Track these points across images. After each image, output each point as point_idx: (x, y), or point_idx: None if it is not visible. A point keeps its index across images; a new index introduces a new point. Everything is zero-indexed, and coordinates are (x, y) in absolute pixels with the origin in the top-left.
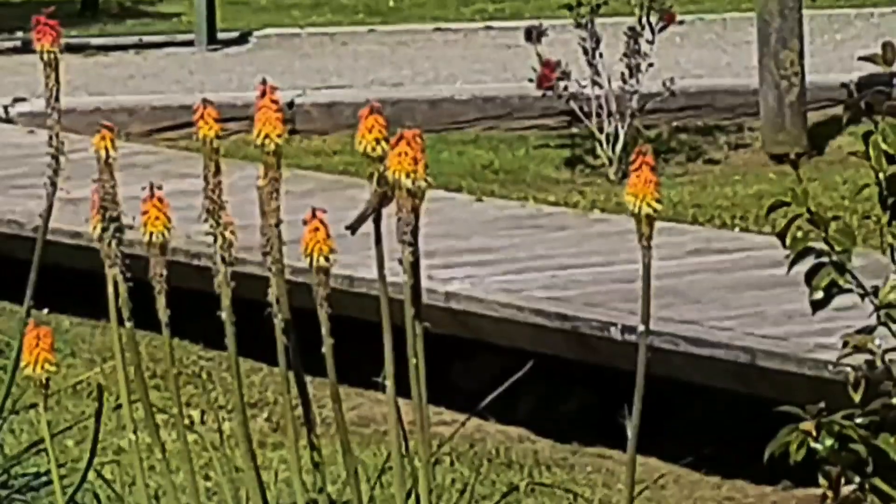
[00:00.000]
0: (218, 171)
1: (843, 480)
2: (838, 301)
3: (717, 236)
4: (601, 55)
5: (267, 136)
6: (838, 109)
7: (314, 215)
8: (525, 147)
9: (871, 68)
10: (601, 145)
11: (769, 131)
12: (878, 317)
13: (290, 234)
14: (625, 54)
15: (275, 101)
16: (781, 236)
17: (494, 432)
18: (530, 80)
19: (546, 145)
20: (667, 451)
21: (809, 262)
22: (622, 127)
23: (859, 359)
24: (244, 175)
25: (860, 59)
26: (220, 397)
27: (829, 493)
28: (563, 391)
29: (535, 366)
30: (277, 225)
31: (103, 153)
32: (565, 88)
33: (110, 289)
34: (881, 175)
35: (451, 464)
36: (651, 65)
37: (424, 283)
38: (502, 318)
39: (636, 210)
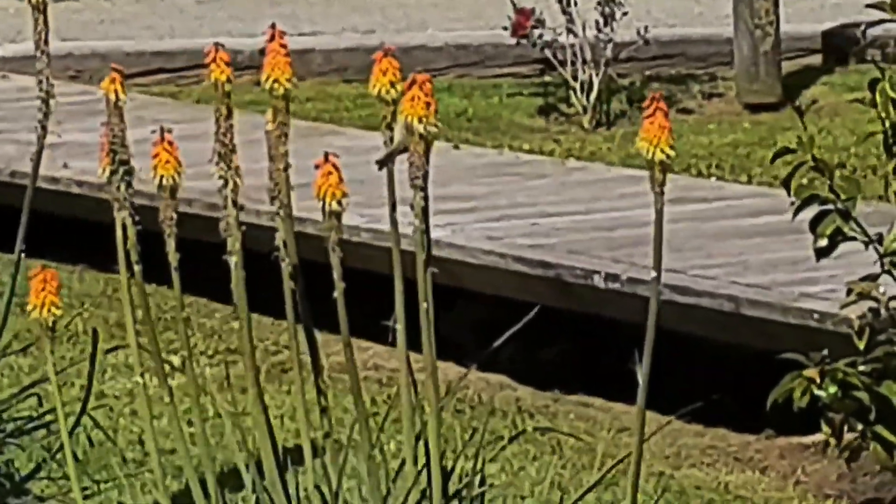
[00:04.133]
0: (230, 114)
1: (845, 427)
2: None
3: (696, 185)
4: (576, 3)
5: (276, 80)
6: (812, 59)
7: (327, 159)
8: (499, 95)
9: (842, 18)
10: (575, 93)
11: (743, 80)
12: (882, 264)
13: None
14: (599, 2)
15: (284, 46)
16: (786, 183)
17: (475, 380)
18: (505, 28)
19: (519, 93)
20: (650, 399)
21: (812, 210)
22: (596, 75)
23: (863, 306)
24: None
25: (868, 6)
26: (200, 343)
27: (832, 440)
28: (544, 338)
29: (516, 313)
30: (286, 169)
31: (112, 96)
32: (540, 36)
33: (119, 232)
34: (888, 122)
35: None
36: (626, 13)
37: (405, 230)
38: (484, 265)
39: (650, 156)
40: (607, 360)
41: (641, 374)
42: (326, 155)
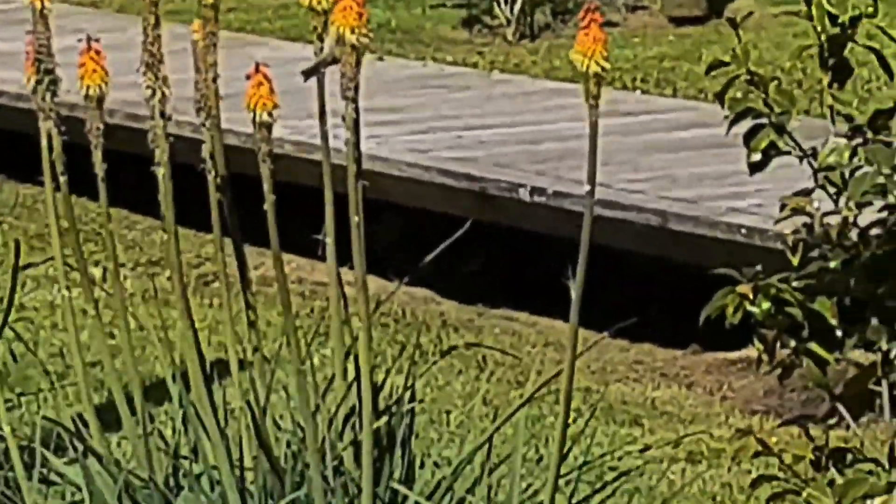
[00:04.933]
0: (157, 23)
1: (778, 344)
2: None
3: (622, 98)
4: None
5: None
6: None
7: (258, 69)
8: (422, 6)
9: None
10: (499, 5)
11: None
12: (816, 179)
13: (189, 91)
14: None
15: None
16: (720, 97)
17: (399, 293)
18: None
19: (443, 5)
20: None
21: (746, 123)
22: None
23: (797, 221)
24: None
25: None
26: (121, 255)
27: (765, 357)
28: (468, 252)
29: (440, 226)
30: (215, 80)
31: (38, 4)
32: None
33: (44, 143)
34: (823, 36)
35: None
36: None
37: (333, 142)
38: (409, 178)
39: (584, 68)
40: (532, 275)
41: (574, 290)
42: (257, 65)
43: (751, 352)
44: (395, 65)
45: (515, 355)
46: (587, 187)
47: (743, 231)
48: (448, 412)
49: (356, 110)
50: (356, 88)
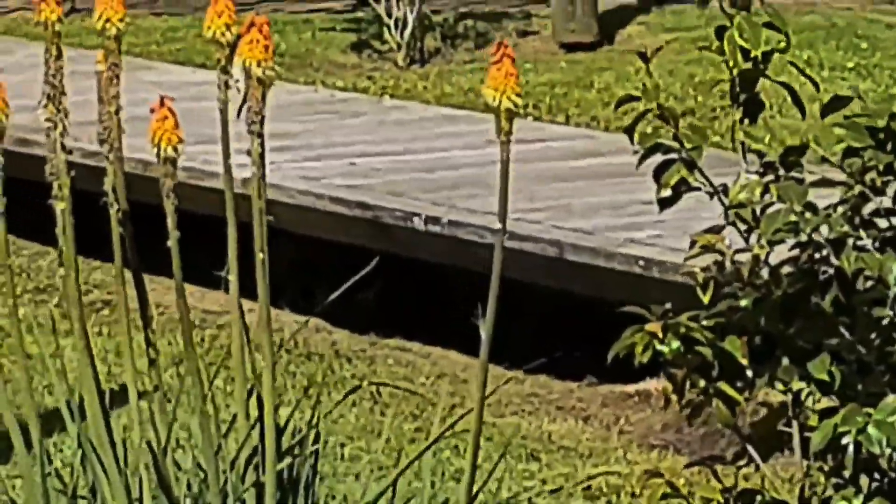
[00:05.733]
0: (60, 55)
1: (687, 384)
2: (648, 195)
3: (515, 126)
4: None
5: (108, 20)
6: None
7: (162, 103)
8: (311, 31)
9: None
10: (389, 30)
11: (560, 20)
12: (727, 216)
13: (81, 115)
14: None
15: None
16: (629, 131)
17: (290, 321)
18: None
19: (332, 29)
20: (469, 345)
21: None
22: (411, 12)
23: (707, 259)
24: (29, 53)
25: None
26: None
27: (674, 397)
28: (360, 281)
29: (331, 254)
30: (117, 112)
31: None
32: None
33: None
34: (735, 71)
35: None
36: None
37: (218, 169)
38: (301, 205)
39: (496, 104)
40: (426, 304)
41: (484, 329)
42: (162, 99)
43: (648, 385)
44: (284, 90)
45: (415, 391)
46: (499, 224)
47: (641, 263)
48: (342, 445)
49: (262, 144)
50: (262, 122)
